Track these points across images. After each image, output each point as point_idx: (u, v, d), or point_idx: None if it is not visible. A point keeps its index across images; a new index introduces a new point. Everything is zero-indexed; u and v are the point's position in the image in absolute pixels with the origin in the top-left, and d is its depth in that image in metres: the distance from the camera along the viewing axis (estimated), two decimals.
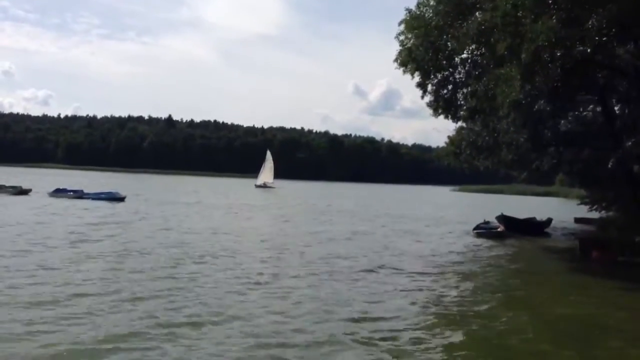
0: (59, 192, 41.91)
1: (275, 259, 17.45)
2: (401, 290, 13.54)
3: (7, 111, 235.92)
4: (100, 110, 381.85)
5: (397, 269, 16.60)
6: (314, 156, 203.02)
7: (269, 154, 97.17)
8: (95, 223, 24.62)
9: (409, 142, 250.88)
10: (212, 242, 20.35)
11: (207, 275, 14.01)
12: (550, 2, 15.20)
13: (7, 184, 44.64)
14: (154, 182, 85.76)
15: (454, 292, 13.84)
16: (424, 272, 16.46)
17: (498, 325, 10.87)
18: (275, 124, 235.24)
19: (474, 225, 29.76)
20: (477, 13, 18.63)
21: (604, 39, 15.40)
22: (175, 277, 13.52)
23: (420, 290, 13.87)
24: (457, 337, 10.03)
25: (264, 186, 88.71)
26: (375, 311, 11.32)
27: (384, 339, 9.44)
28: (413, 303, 12.29)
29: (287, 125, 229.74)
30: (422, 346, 9.24)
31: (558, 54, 15.02)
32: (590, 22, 14.81)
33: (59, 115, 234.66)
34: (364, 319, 10.61)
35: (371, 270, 16.06)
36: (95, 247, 17.89)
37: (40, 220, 24.77)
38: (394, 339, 9.53)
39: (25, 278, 12.60)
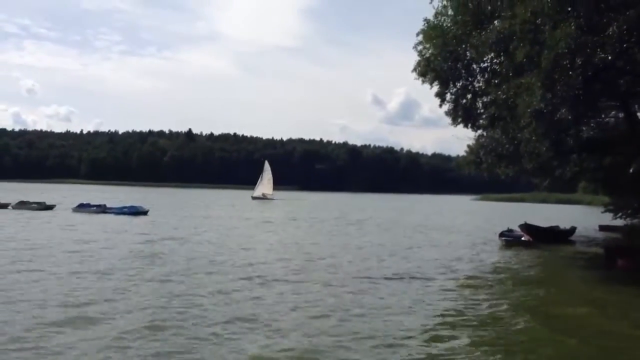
0: (82, 207, 42.48)
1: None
2: (428, 304, 13.48)
3: (30, 128, 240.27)
4: (122, 125, 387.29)
5: (429, 278, 16.74)
6: (333, 167, 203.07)
7: (267, 165, 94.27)
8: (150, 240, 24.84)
9: (429, 151, 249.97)
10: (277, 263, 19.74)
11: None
12: (569, 9, 15.15)
13: (31, 200, 45.41)
14: (179, 196, 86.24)
15: (483, 305, 13.74)
16: (452, 282, 16.46)
17: (527, 339, 10.79)
18: (294, 134, 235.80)
19: (497, 235, 29.64)
20: (495, 21, 18.65)
21: (624, 45, 15.28)
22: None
23: (453, 300, 14.01)
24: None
25: (263, 198, 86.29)
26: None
27: None
28: (440, 315, 12.32)
29: (306, 136, 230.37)
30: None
31: (578, 62, 14.92)
32: (610, 29, 14.72)
33: (81, 131, 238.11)
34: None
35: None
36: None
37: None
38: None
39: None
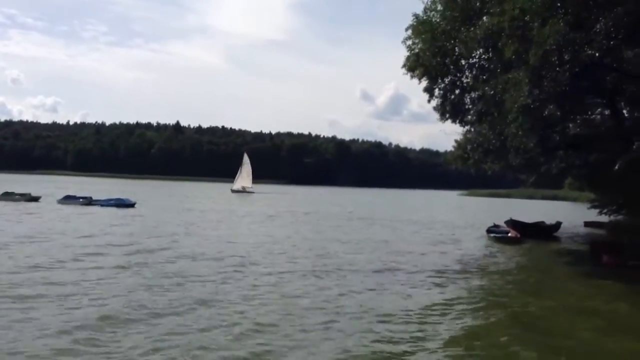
0: (68, 199, 42.16)
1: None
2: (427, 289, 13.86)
3: (16, 119, 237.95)
4: (109, 117, 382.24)
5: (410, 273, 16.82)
6: (321, 161, 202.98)
7: (246, 157, 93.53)
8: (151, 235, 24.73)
9: (417, 146, 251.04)
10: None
11: None
12: (558, 5, 15.19)
13: (17, 192, 44.94)
14: (166, 189, 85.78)
15: (465, 301, 13.86)
16: (437, 277, 16.54)
17: (509, 336, 10.85)
18: (283, 129, 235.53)
19: (484, 230, 29.85)
20: (484, 17, 18.68)
21: (612, 42, 15.36)
22: None
23: (437, 294, 14.07)
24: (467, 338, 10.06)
25: (243, 191, 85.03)
26: None
27: None
28: (427, 306, 12.41)
29: (295, 131, 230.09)
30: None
31: (566, 58, 14.99)
32: (598, 26, 14.79)
33: (67, 122, 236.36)
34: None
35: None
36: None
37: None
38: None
39: None
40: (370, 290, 14.18)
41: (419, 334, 10.35)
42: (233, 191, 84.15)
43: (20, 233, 22.37)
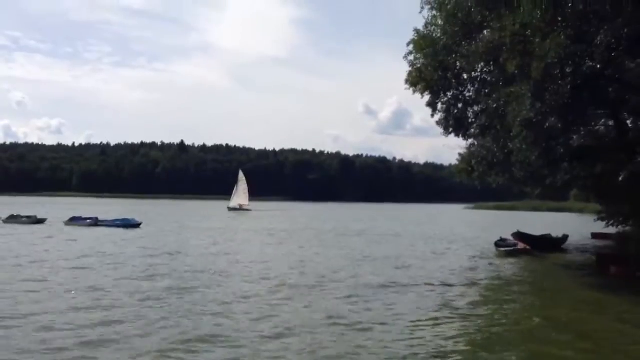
0: (74, 221, 42.23)
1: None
2: (439, 301, 13.59)
3: (22, 141, 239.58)
4: (114, 137, 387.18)
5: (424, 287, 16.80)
6: (325, 177, 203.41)
7: (241, 174, 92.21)
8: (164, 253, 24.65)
9: (421, 160, 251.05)
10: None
11: None
12: (559, 19, 15.27)
13: (22, 214, 45.09)
14: (171, 209, 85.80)
15: (480, 310, 13.89)
16: (448, 291, 16.48)
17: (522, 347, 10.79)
18: (287, 145, 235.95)
19: (492, 243, 29.85)
20: (485, 32, 18.79)
21: (613, 54, 15.42)
22: None
23: (449, 308, 14.02)
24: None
25: (239, 209, 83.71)
26: None
27: None
28: (435, 318, 12.37)
29: (299, 147, 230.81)
30: None
31: (568, 71, 15.05)
32: (599, 38, 14.86)
33: (73, 143, 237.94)
34: None
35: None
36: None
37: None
38: None
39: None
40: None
41: (435, 345, 10.45)
42: (230, 209, 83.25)
43: (68, 255, 22.67)
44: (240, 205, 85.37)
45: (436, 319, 12.68)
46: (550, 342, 10.89)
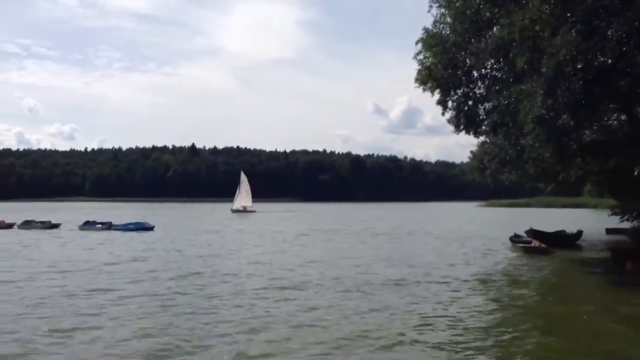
0: (88, 225, 42.55)
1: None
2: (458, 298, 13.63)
3: (35, 147, 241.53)
4: (125, 141, 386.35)
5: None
6: (336, 177, 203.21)
7: (243, 176, 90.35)
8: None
9: (432, 159, 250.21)
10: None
11: None
12: (568, 15, 15.19)
13: (37, 220, 45.54)
14: (183, 212, 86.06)
15: (493, 310, 13.86)
16: (464, 288, 16.50)
17: (537, 341, 10.79)
18: (297, 146, 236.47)
19: (506, 240, 29.74)
20: (494, 28, 18.71)
21: (624, 48, 15.31)
22: None
23: (463, 306, 13.97)
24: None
25: (243, 210, 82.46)
26: None
27: None
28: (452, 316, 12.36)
29: (309, 148, 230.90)
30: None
31: (579, 66, 14.96)
32: (609, 32, 14.76)
33: (85, 149, 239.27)
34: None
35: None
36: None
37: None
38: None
39: None
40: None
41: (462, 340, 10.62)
42: (233, 211, 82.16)
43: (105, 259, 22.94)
44: (244, 207, 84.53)
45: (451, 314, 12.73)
46: (566, 339, 10.89)
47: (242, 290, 16.25)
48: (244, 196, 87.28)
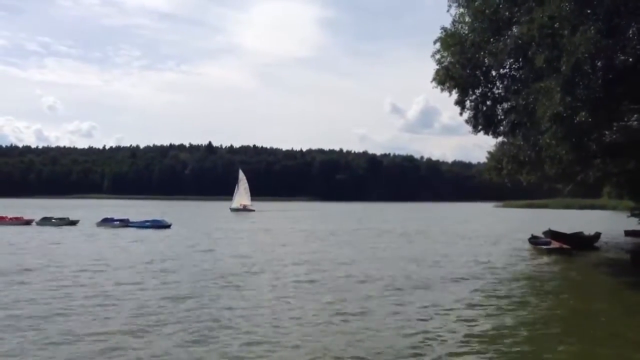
0: (106, 222, 42.95)
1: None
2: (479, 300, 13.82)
3: (54, 145, 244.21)
4: (143, 139, 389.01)
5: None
6: (353, 177, 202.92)
7: (241, 174, 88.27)
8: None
9: (449, 159, 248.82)
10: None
11: None
12: (588, 12, 15.02)
13: (55, 216, 46.05)
14: (200, 210, 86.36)
15: (512, 312, 13.79)
16: (478, 292, 16.46)
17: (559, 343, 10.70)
18: (314, 145, 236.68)
19: (525, 241, 29.61)
20: (513, 27, 18.55)
21: None
22: None
23: (478, 310, 13.93)
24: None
25: (242, 209, 80.00)
26: None
27: None
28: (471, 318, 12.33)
29: (326, 147, 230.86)
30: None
31: (599, 65, 14.79)
32: (630, 31, 14.58)
33: (103, 146, 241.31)
34: None
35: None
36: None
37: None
38: None
39: None
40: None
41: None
42: (232, 210, 79.97)
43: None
44: (244, 206, 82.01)
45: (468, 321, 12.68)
46: (586, 340, 10.85)
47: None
48: (242, 194, 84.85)
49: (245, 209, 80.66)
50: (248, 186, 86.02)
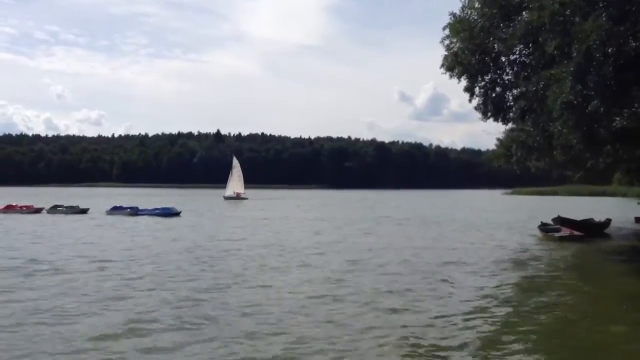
0: (115, 210, 43.22)
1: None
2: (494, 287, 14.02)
3: (63, 133, 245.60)
4: (152, 127, 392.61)
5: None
6: (362, 164, 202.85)
7: (235, 161, 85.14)
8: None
9: (458, 146, 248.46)
10: None
11: None
12: None
13: (65, 204, 46.34)
14: (208, 197, 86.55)
15: (527, 292, 13.86)
16: (493, 279, 16.54)
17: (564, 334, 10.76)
18: (322, 133, 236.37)
19: (535, 228, 29.69)
20: (523, 13, 18.40)
21: None
22: None
23: (488, 296, 13.98)
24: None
25: (237, 197, 77.47)
26: None
27: None
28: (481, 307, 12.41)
29: (334, 134, 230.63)
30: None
31: (610, 51, 14.67)
32: None
33: (112, 135, 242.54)
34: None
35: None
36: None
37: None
38: None
39: None
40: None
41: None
42: (226, 198, 76.75)
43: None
44: (237, 194, 79.19)
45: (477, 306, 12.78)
46: (597, 331, 10.84)
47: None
48: (236, 182, 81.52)
49: (238, 197, 78.14)
50: (242, 174, 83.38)
